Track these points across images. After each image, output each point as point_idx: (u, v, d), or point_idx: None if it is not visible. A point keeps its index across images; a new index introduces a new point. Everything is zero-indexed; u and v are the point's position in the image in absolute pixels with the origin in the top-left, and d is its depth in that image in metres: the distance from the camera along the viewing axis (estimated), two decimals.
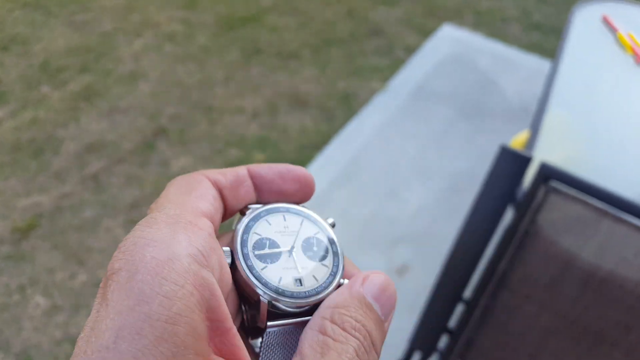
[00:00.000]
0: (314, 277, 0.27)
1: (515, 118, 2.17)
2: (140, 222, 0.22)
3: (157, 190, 1.75)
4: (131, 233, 0.22)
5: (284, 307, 0.25)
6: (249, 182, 0.28)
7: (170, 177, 1.99)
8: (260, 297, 0.25)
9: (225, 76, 2.32)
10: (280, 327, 0.26)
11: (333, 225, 0.30)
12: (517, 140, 1.37)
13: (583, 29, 1.11)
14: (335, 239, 0.29)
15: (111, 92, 2.18)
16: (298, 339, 0.25)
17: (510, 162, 0.74)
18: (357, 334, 0.23)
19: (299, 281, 0.26)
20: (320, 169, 1.91)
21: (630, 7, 1.21)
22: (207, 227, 0.23)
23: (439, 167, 1.95)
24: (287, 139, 2.05)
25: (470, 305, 0.78)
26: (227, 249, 0.26)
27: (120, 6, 2.70)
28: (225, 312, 0.21)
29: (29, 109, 2.08)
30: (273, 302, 0.25)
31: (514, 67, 2.49)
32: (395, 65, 2.46)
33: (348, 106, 2.22)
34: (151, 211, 0.24)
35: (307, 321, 0.26)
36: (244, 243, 0.27)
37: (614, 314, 0.67)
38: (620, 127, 0.88)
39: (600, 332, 0.69)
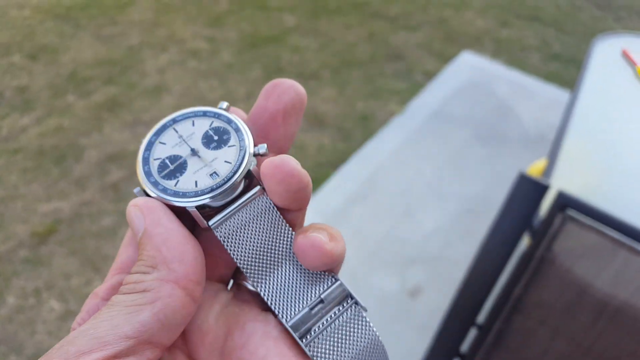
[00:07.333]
0: (225, 162, 0.27)
1: (532, 145, 2.17)
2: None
3: None
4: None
5: (214, 204, 0.26)
6: None
7: None
8: (187, 208, 0.26)
9: (246, 93, 2.36)
10: (223, 218, 0.26)
11: (227, 108, 0.29)
12: (535, 168, 1.38)
13: (602, 62, 1.12)
14: (231, 117, 0.28)
15: (135, 104, 2.23)
16: (261, 210, 0.26)
17: (528, 190, 0.76)
18: None
19: (215, 174, 0.26)
20: (337, 187, 1.93)
21: None
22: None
23: (454, 189, 1.96)
24: (304, 155, 2.08)
25: (484, 329, 0.78)
26: (137, 189, 0.27)
27: (148, 21, 2.78)
28: None
29: (54, 116, 2.13)
30: (200, 205, 0.26)
31: (532, 95, 2.50)
32: (413, 88, 2.48)
33: (365, 127, 2.24)
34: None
35: (254, 196, 0.26)
36: (147, 174, 0.27)
37: (629, 343, 0.67)
38: (637, 158, 0.89)
39: None
